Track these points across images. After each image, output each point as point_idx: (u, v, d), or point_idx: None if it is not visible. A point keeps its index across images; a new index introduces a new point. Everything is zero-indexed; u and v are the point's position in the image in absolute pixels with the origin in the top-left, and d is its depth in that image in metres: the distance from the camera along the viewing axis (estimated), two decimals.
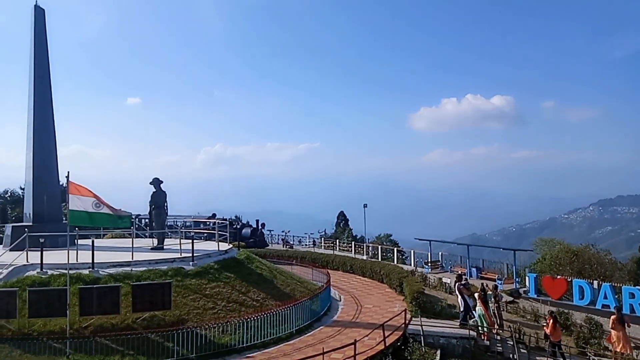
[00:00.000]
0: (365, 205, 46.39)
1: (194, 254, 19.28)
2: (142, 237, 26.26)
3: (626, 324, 16.88)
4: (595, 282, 23.77)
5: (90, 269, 16.95)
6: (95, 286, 15.64)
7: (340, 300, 22.78)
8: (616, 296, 22.15)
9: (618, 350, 16.47)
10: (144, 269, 17.76)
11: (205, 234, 26.79)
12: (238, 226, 43.20)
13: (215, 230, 23.70)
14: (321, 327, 18.17)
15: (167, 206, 22.65)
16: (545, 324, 17.37)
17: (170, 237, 25.95)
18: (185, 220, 47.17)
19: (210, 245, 23.07)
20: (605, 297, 22.34)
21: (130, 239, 20.80)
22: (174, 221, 46.73)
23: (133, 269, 17.63)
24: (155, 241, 22.48)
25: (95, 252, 17.16)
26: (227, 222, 43.78)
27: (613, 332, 16.67)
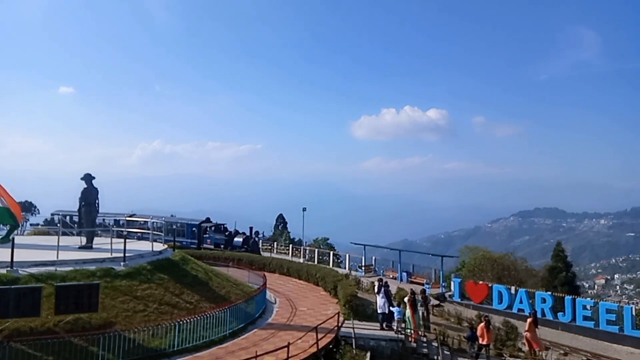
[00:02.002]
0: (304, 209, 46.85)
1: (126, 254, 18.56)
2: (69, 235, 24.82)
3: (537, 326, 18.50)
4: (513, 288, 25.71)
5: (9, 268, 15.78)
6: (13, 287, 14.55)
7: (276, 303, 22.87)
8: (530, 301, 24.10)
9: (536, 349, 17.97)
10: (70, 268, 16.82)
11: (140, 234, 25.84)
12: (229, 234, 40.53)
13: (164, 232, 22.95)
14: (255, 330, 18.17)
15: (98, 203, 21.64)
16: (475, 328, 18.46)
17: (101, 236, 24.76)
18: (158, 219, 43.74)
19: (144, 245, 22.31)
20: (521, 302, 24.24)
21: (56, 237, 19.65)
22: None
23: (58, 268, 16.65)
24: (84, 240, 21.39)
25: (15, 249, 16.03)
26: (221, 227, 40.89)
27: (528, 334, 18.14)
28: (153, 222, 33.12)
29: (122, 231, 26.64)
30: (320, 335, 16.16)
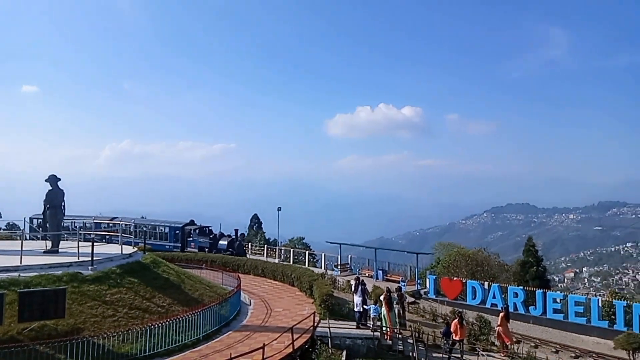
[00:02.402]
0: (279, 209, 46.56)
1: (94, 258, 17.99)
2: (34, 240, 23.96)
3: (509, 320, 18.84)
4: (486, 283, 26.17)
5: None
6: None
7: (251, 305, 22.62)
8: (503, 295, 24.58)
9: (508, 343, 18.29)
10: (35, 274, 16.19)
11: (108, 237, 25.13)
12: (214, 236, 39.10)
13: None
14: (230, 332, 17.91)
15: (64, 206, 20.92)
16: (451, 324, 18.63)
17: (67, 240, 23.99)
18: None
19: (113, 249, 21.74)
20: (494, 297, 24.71)
21: (20, 241, 18.91)
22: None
23: (21, 274, 16.00)
24: (50, 244, 20.65)
25: None
26: (205, 230, 39.62)
27: (500, 328, 18.45)
28: (123, 224, 32.10)
29: (89, 234, 25.85)
30: (295, 336, 16.02)
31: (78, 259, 18.21)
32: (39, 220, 37.47)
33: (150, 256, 22.11)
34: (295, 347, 15.67)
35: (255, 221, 65.18)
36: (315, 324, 17.78)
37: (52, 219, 20.60)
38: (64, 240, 22.51)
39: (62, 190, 20.98)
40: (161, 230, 41.37)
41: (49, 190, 20.71)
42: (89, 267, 17.67)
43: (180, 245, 39.60)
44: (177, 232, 40.30)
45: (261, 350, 13.99)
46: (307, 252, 41.04)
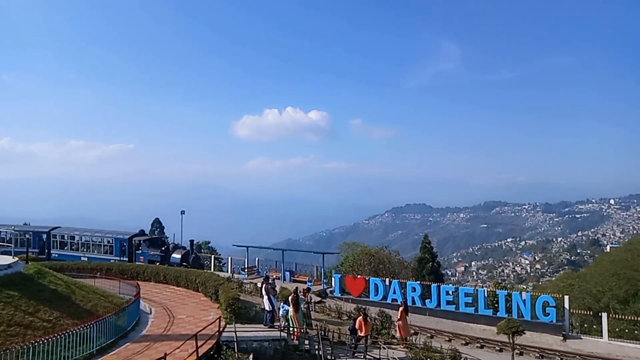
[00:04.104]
0: (182, 212, 44.67)
1: None
2: None
3: (408, 314, 19.98)
4: (387, 280, 27.53)
5: None
6: None
7: (151, 313, 21.41)
8: (402, 290, 26.03)
9: (403, 336, 19.33)
10: None
11: None
12: (166, 248, 35.12)
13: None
14: (127, 344, 16.77)
15: None
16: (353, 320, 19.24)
17: None
18: None
19: None
20: (395, 292, 26.05)
21: None
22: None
23: None
24: None
25: None
26: (158, 241, 35.25)
27: (400, 322, 19.47)
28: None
29: None
30: (200, 342, 15.45)
31: None
32: None
33: (34, 266, 19.94)
34: (199, 355, 15.12)
35: (157, 226, 61.94)
36: (221, 329, 17.32)
37: None
38: None
39: None
40: (107, 241, 37.60)
41: None
42: None
43: (127, 258, 36.01)
44: (124, 244, 36.77)
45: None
46: (212, 257, 39.95)
